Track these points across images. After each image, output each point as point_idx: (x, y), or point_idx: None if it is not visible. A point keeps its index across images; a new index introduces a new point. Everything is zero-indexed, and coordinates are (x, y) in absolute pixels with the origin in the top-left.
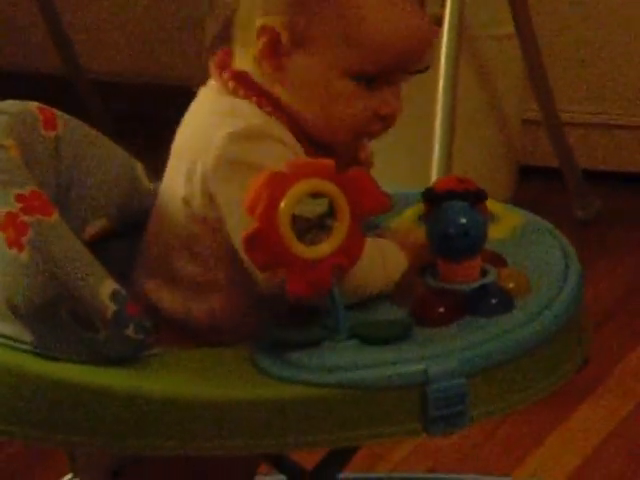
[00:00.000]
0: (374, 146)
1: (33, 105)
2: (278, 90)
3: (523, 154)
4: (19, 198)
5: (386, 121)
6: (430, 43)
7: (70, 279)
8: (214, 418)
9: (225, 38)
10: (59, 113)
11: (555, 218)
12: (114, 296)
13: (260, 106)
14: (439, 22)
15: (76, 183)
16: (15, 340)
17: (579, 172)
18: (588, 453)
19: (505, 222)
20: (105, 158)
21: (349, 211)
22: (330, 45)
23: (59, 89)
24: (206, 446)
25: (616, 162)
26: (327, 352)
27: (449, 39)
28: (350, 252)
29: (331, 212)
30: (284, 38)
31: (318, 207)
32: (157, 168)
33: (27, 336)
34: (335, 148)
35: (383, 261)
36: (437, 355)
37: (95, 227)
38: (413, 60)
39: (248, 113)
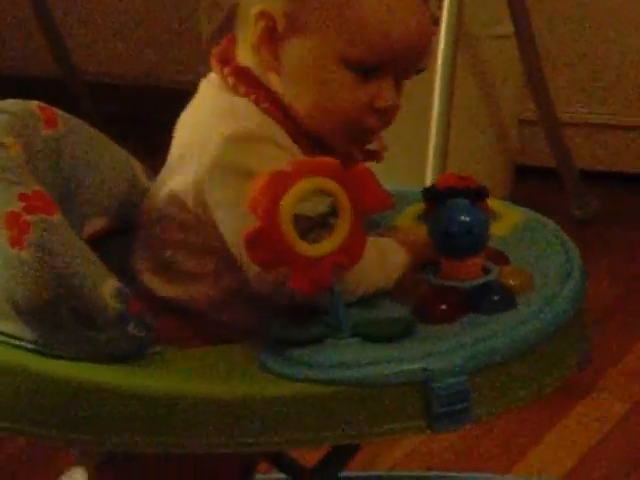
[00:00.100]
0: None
1: (34, 104)
2: (274, 79)
3: (520, 154)
4: (22, 197)
5: (383, 116)
6: (430, 40)
7: (72, 278)
8: (218, 416)
9: (225, 33)
10: (59, 112)
11: (552, 218)
12: (116, 294)
13: (258, 103)
14: (436, 22)
15: (76, 182)
16: (17, 338)
17: (576, 172)
18: (585, 453)
19: (506, 219)
20: (105, 157)
21: (351, 209)
22: (327, 33)
23: (53, 91)
24: (211, 444)
25: (613, 162)
26: (330, 350)
27: (446, 38)
28: (352, 250)
29: (333, 210)
30: (281, 25)
31: (320, 205)
32: (151, 169)
33: (29, 334)
34: (332, 146)
35: (382, 260)
36: (440, 352)
37: (94, 225)
38: (412, 55)
39: (246, 113)
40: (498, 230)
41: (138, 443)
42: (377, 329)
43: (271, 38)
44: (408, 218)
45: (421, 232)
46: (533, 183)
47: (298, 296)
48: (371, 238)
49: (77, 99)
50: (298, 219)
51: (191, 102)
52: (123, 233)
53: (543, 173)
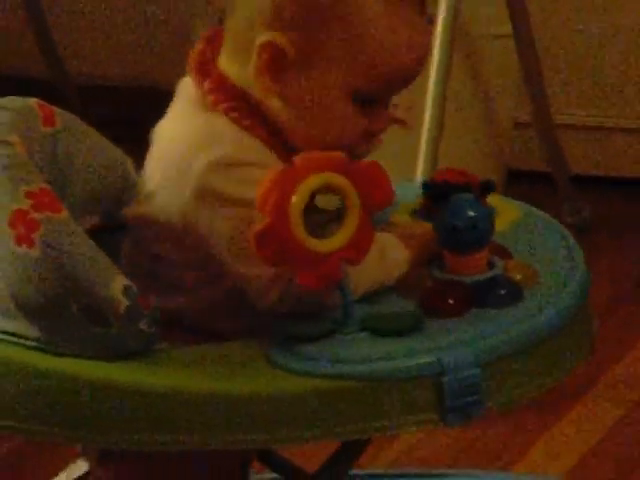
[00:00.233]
0: None
1: (33, 101)
2: (276, 105)
3: (513, 158)
4: (29, 195)
5: (375, 138)
6: (426, 59)
7: (82, 275)
8: (228, 412)
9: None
10: (57, 110)
11: None
12: (126, 291)
13: (239, 121)
14: (431, 20)
15: (70, 179)
16: (20, 336)
17: (569, 176)
18: (578, 458)
19: (505, 215)
20: (99, 154)
21: (360, 204)
22: (334, 64)
23: (41, 92)
24: (220, 440)
25: (607, 166)
26: (340, 345)
27: (442, 38)
28: (360, 245)
29: (339, 204)
30: (290, 55)
31: (329, 200)
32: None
33: (33, 332)
34: None
35: (381, 256)
36: (451, 346)
37: (86, 223)
38: (410, 78)
39: (225, 136)
40: (498, 225)
41: (143, 440)
42: (386, 323)
43: (277, 68)
44: (403, 213)
45: (426, 226)
46: (524, 188)
47: (304, 297)
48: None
49: (66, 101)
50: (307, 215)
51: (169, 112)
52: (113, 230)
53: (534, 177)
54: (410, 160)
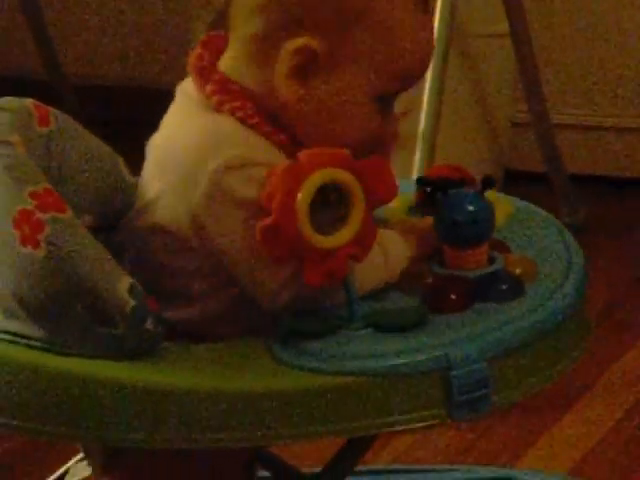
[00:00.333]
0: None
1: (29, 102)
2: (299, 108)
3: (510, 158)
4: (33, 195)
5: (391, 139)
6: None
7: (88, 275)
8: (236, 410)
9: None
10: (52, 110)
11: None
12: (132, 290)
13: (245, 120)
14: None
15: (66, 179)
16: (25, 337)
17: (566, 177)
18: (577, 459)
19: (500, 210)
20: (92, 154)
21: (365, 200)
22: (361, 65)
23: (41, 93)
24: (228, 438)
25: (603, 166)
26: (345, 341)
27: (439, 36)
28: (364, 241)
29: (341, 200)
30: (322, 58)
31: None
32: (138, 169)
33: (37, 332)
34: None
35: (386, 254)
36: (457, 341)
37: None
38: (420, 76)
39: (234, 137)
40: None
41: (150, 439)
42: (391, 319)
43: (306, 70)
44: (399, 210)
45: (425, 222)
46: (521, 188)
47: (314, 298)
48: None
49: (63, 101)
50: (312, 211)
51: (166, 118)
52: (106, 230)
53: (531, 178)
54: (406, 159)
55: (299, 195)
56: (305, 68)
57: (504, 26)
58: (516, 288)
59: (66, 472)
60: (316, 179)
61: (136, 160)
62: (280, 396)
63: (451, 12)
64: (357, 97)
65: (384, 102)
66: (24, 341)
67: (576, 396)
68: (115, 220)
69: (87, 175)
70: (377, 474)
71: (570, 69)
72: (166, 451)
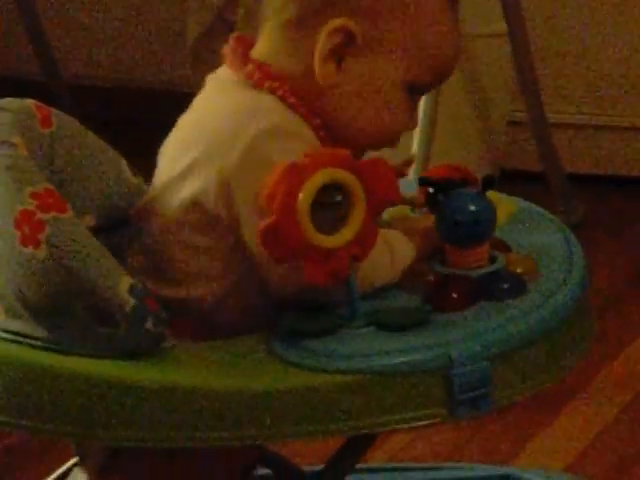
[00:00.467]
0: None
1: (30, 102)
2: (334, 92)
3: (507, 157)
4: (34, 195)
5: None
6: None
7: (88, 275)
8: (240, 409)
9: (212, 36)
10: (54, 111)
11: None
12: (132, 290)
13: (285, 99)
14: None
15: (68, 180)
16: (28, 337)
17: (564, 176)
18: (575, 455)
19: (501, 209)
20: (95, 155)
21: (365, 200)
22: (396, 53)
23: (38, 94)
24: (233, 437)
25: (601, 165)
26: (347, 340)
27: None
28: (365, 241)
29: (343, 200)
30: (359, 41)
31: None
32: (137, 170)
33: (39, 332)
34: (356, 146)
35: (390, 253)
36: (459, 339)
37: (83, 223)
38: (451, 72)
39: (273, 109)
40: None
41: (153, 438)
42: (393, 318)
43: (343, 51)
44: (402, 209)
45: (427, 221)
46: (518, 187)
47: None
48: (381, 230)
49: (60, 102)
50: (313, 211)
51: (196, 101)
52: (109, 231)
53: (528, 177)
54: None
55: (300, 195)
56: (341, 50)
57: (501, 25)
58: (518, 287)
59: (66, 472)
60: (317, 179)
61: (136, 160)
62: (281, 394)
63: None
64: (389, 84)
65: (413, 94)
66: (26, 340)
67: (574, 392)
68: (117, 220)
69: (89, 176)
70: (374, 472)
71: (567, 68)
72: (166, 452)
